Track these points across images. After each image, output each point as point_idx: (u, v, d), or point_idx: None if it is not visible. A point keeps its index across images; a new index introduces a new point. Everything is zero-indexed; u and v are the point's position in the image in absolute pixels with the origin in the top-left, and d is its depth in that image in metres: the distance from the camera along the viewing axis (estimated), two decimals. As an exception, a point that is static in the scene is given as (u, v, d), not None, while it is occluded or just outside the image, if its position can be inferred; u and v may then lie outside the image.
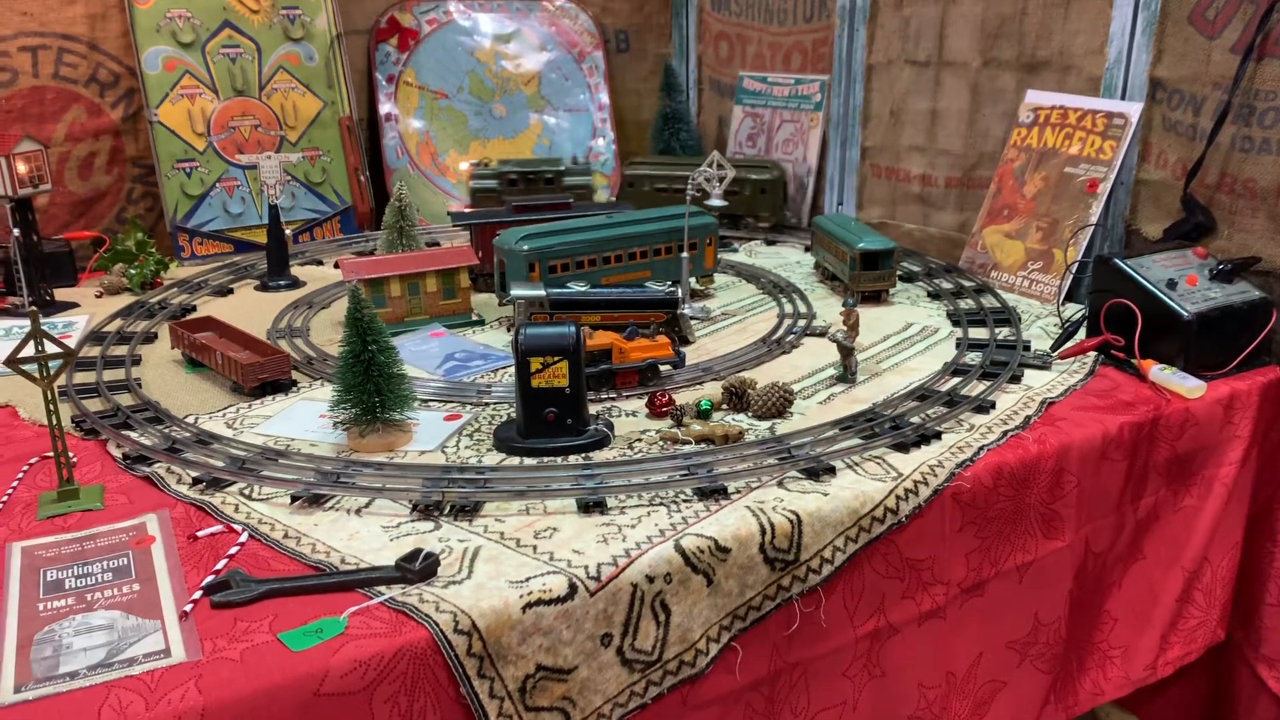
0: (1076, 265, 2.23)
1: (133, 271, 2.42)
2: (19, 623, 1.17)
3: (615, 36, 3.47)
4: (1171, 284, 1.86)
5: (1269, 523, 1.94)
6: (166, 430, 1.63)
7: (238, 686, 1.06)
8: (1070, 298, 2.24)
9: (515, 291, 2.01)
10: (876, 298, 2.29)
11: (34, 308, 1.36)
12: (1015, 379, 1.83)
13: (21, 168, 2.18)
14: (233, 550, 1.30)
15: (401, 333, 2.09)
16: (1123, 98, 2.26)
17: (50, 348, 1.38)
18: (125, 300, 2.33)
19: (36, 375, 1.39)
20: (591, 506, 1.40)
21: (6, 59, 2.55)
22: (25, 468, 1.54)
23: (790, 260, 2.68)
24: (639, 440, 1.63)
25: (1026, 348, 1.96)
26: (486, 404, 1.78)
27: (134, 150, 2.75)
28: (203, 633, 1.14)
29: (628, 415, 1.73)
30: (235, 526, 1.36)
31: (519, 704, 1.21)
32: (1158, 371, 1.81)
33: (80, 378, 1.86)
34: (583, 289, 2.05)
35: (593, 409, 1.71)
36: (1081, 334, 2.00)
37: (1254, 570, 1.95)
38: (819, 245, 2.50)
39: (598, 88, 3.37)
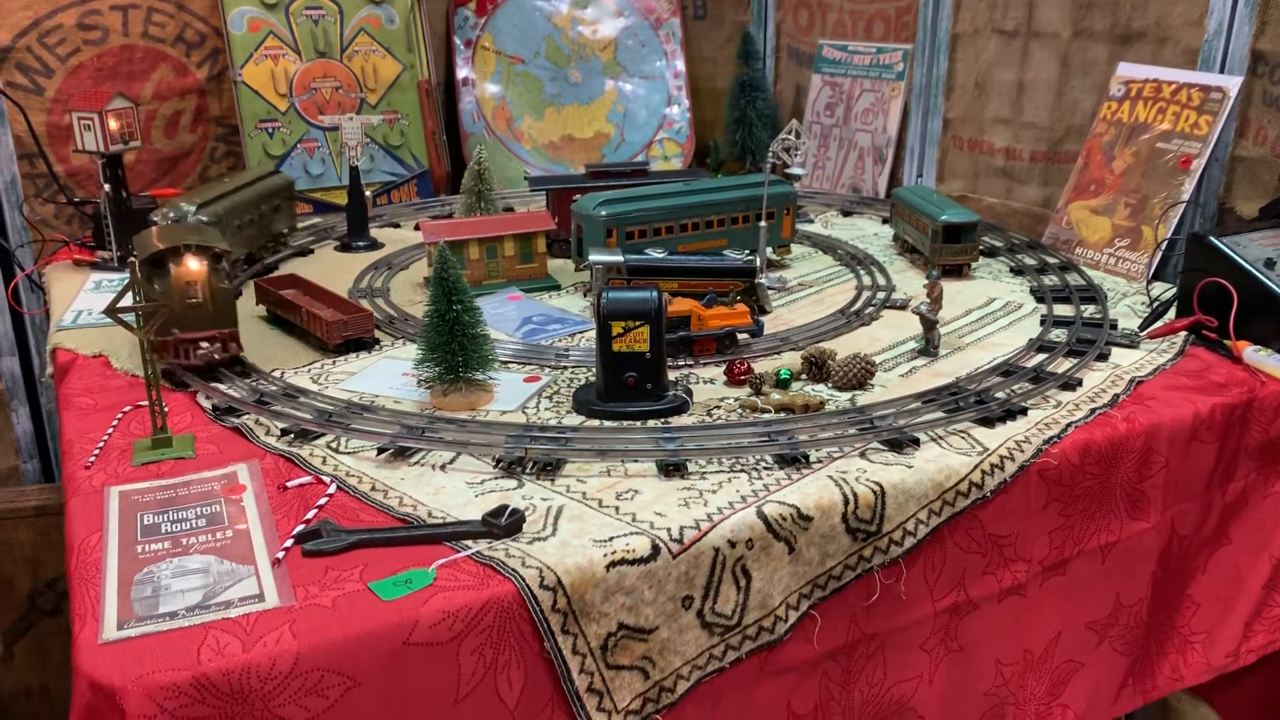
0: (1166, 243, 2.17)
1: (217, 229, 2.46)
2: (119, 564, 1.20)
3: (693, 3, 3.44)
4: (1270, 264, 1.81)
5: (1362, 512, 1.88)
6: (254, 383, 1.67)
7: (330, 632, 1.08)
8: (1158, 277, 2.19)
9: (593, 257, 2.01)
10: (958, 272, 2.25)
11: (133, 259, 1.39)
12: (1102, 357, 1.79)
13: (113, 124, 2.23)
14: (322, 501, 1.32)
15: (480, 295, 2.09)
16: (1221, 71, 2.19)
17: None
18: (210, 257, 2.37)
19: (135, 325, 1.42)
20: (672, 470, 1.40)
21: (98, 18, 2.60)
22: (119, 416, 1.58)
23: (868, 232, 2.65)
24: (718, 407, 1.62)
25: (1113, 326, 1.91)
26: (565, 367, 1.78)
27: (218, 110, 2.80)
28: (295, 580, 1.16)
29: (705, 382, 1.73)
30: (323, 478, 1.38)
31: (600, 661, 1.22)
32: (1252, 353, 1.76)
33: (170, 330, 1.89)
34: (660, 256, 2.04)
35: (671, 375, 1.71)
36: (1171, 314, 1.95)
37: (1344, 560, 1.90)
38: (898, 217, 2.47)
39: (674, 55, 3.34)
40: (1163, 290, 2.05)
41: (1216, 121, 2.16)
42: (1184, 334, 1.88)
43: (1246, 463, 1.73)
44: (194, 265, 1.64)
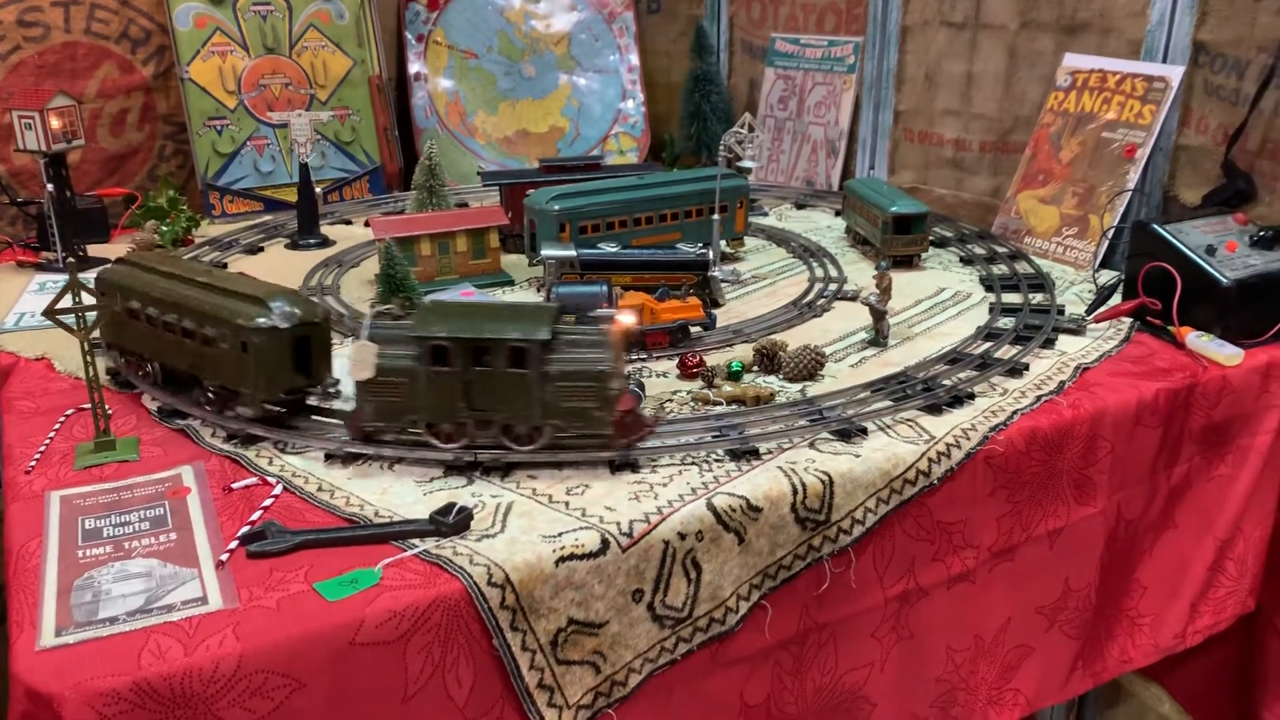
0: (1112, 231, 2.20)
1: (165, 228, 2.43)
2: (59, 569, 1.18)
3: (646, -3, 3.43)
4: (1211, 250, 1.83)
5: (1303, 493, 1.92)
6: (200, 384, 1.64)
7: (274, 634, 1.07)
8: (1105, 265, 2.22)
9: (546, 252, 2.00)
10: (908, 262, 2.27)
11: (72, 260, 1.37)
12: (1049, 344, 1.81)
13: (55, 123, 2.19)
14: (267, 502, 1.31)
15: (431, 291, 2.09)
16: (1164, 61, 2.22)
17: (88, 299, 1.39)
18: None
19: (74, 327, 1.40)
20: (623, 466, 1.40)
21: (39, 14, 2.55)
22: (62, 419, 1.56)
23: (821, 224, 2.66)
24: (670, 401, 1.62)
25: (1060, 312, 1.94)
26: (517, 363, 1.77)
27: (165, 107, 2.76)
28: (239, 581, 1.15)
29: (658, 376, 1.73)
30: (269, 479, 1.37)
31: (550, 657, 1.22)
32: (1195, 338, 1.79)
33: (115, 332, 1.87)
34: (613, 250, 2.04)
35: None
36: (1117, 300, 1.97)
37: (1287, 541, 1.94)
38: (850, 209, 2.48)
39: (628, 49, 3.34)
40: (1109, 278, 2.07)
41: (1160, 111, 2.19)
42: (1129, 322, 1.91)
43: (1190, 447, 1.76)
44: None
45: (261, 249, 2.46)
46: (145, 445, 1.48)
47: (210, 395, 1.48)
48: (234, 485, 1.36)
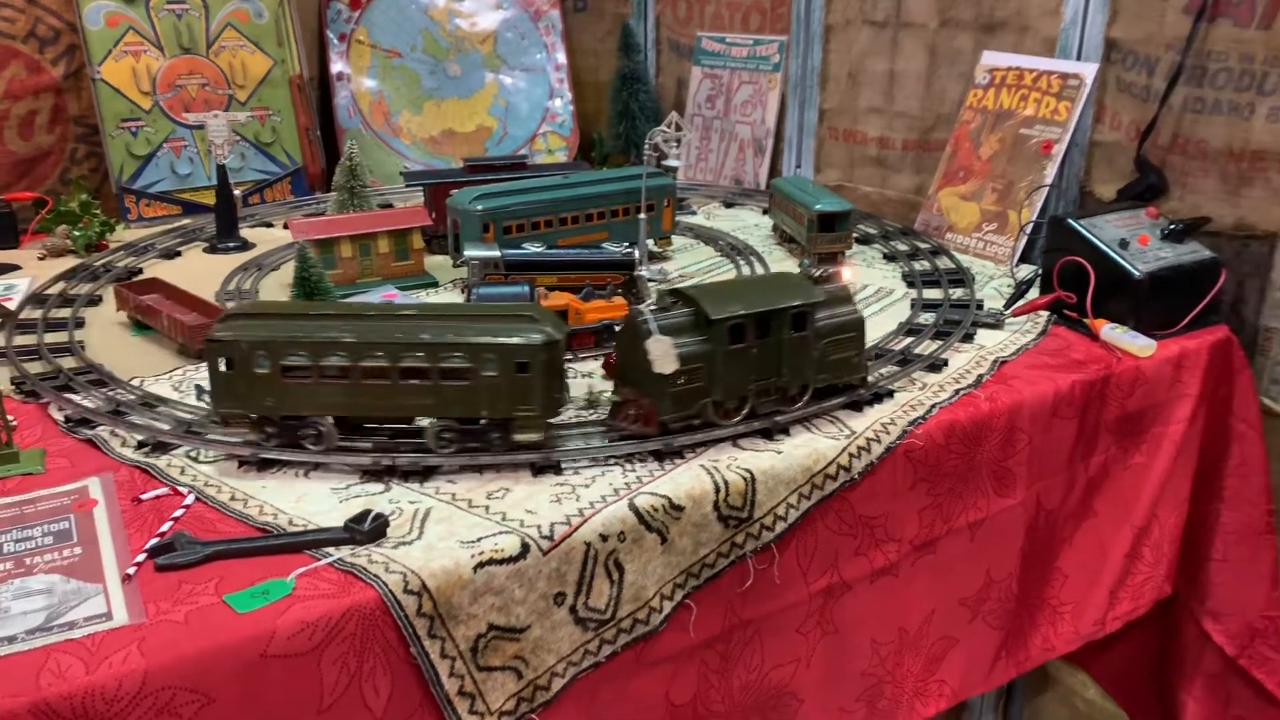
0: (1031, 226, 2.24)
1: (77, 233, 2.36)
2: (-45, 588, 1.14)
3: (572, -5, 3.42)
4: (1123, 244, 1.87)
5: (1215, 479, 1.97)
6: (110, 393, 1.60)
7: (181, 649, 1.04)
8: (1025, 259, 2.26)
9: (469, 253, 1.98)
10: (833, 260, 2.29)
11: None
12: (968, 338, 1.84)
13: (-43, 125, 2.11)
14: (178, 513, 1.28)
15: (353, 294, 2.05)
16: (1078, 59, 2.26)
17: (-14, 307, 1.34)
18: (69, 263, 2.27)
19: (-29, 335, 1.35)
20: (545, 468, 1.38)
21: (-60, 13, 2.46)
22: (-37, 432, 1.50)
23: (749, 223, 2.67)
24: (595, 401, 1.61)
25: (980, 307, 1.96)
26: (440, 365, 1.75)
27: (77, 109, 2.68)
28: (146, 596, 1.12)
29: (583, 376, 1.72)
30: (181, 489, 1.33)
31: (470, 663, 1.20)
32: (1109, 330, 1.83)
33: (20, 340, 1.81)
34: (538, 250, 2.03)
35: (547, 370, 1.70)
36: (1035, 294, 2.01)
37: (1200, 526, 1.99)
38: (776, 208, 2.49)
39: (554, 47, 3.32)
40: (1027, 273, 2.11)
41: (1075, 107, 2.24)
42: (1047, 314, 1.94)
43: (1106, 437, 1.79)
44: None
45: (179, 253, 2.40)
46: (51, 457, 1.43)
47: (449, 435, 1.38)
48: (143, 496, 1.32)
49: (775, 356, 1.45)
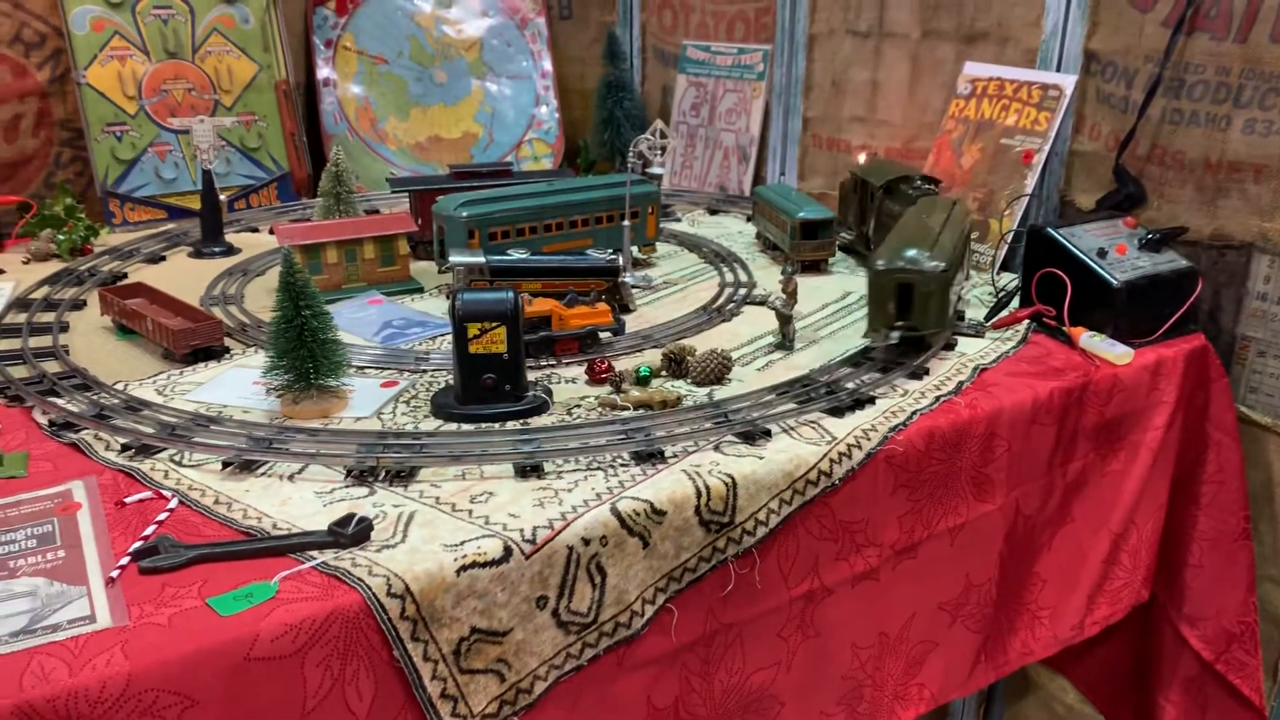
0: (1011, 235, 2.27)
1: (61, 238, 2.36)
2: (-62, 591, 1.14)
3: (558, 3, 3.43)
4: (1101, 253, 1.90)
5: (1192, 486, 1.99)
6: (95, 397, 1.60)
7: (165, 651, 1.05)
8: (1005, 268, 2.28)
9: (454, 259, 1.99)
10: (816, 267, 2.31)
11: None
12: (949, 346, 1.86)
13: (-59, 129, 2.11)
14: (162, 516, 1.28)
15: (339, 300, 2.06)
16: (1058, 70, 2.29)
17: (-30, 311, 1.35)
18: (54, 267, 2.28)
19: (-45, 339, 1.35)
20: (528, 471, 1.40)
21: (-75, 16, 2.46)
22: (-54, 435, 1.50)
23: (732, 230, 2.69)
24: (578, 406, 1.63)
25: (961, 317, 1.98)
26: (425, 371, 1.76)
27: (62, 113, 2.68)
28: (130, 599, 1.12)
29: (567, 382, 1.73)
30: (165, 493, 1.34)
31: (453, 666, 1.21)
32: (1087, 339, 1.85)
33: (4, 344, 1.81)
34: (523, 256, 2.04)
35: (532, 375, 1.71)
36: (1015, 303, 2.03)
37: (1177, 532, 2.01)
38: (760, 215, 2.51)
39: (540, 55, 3.33)
40: (1008, 281, 2.13)
41: (1055, 118, 2.26)
42: (1026, 322, 1.96)
43: (1084, 443, 1.81)
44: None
45: (163, 258, 2.40)
46: (35, 460, 1.43)
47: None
48: (127, 500, 1.33)
49: None
